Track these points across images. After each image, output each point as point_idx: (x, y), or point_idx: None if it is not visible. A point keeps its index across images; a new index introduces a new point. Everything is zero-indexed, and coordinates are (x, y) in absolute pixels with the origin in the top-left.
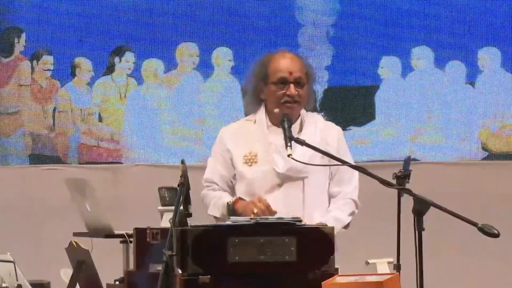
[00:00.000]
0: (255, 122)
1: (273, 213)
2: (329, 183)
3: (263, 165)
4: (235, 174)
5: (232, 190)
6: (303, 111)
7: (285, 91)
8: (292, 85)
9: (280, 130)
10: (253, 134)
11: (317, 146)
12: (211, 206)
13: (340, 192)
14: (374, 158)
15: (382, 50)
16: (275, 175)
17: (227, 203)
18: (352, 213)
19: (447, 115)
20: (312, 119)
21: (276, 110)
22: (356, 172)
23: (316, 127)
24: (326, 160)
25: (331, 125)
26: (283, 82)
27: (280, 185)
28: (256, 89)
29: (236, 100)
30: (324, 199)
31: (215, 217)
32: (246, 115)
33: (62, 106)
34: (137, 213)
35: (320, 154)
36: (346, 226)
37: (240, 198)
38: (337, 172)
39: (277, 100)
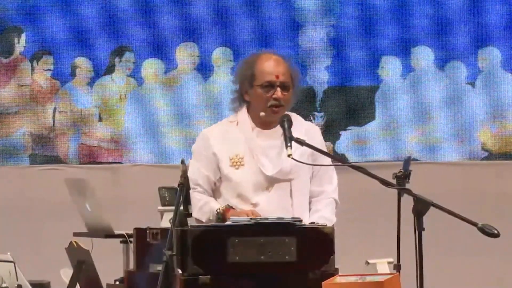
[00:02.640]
0: (237, 124)
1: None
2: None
3: (250, 168)
4: (220, 177)
5: (215, 192)
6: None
7: (271, 94)
8: (278, 89)
9: (265, 132)
10: (238, 136)
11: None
12: (196, 209)
13: (323, 192)
14: (374, 158)
15: (382, 50)
16: (263, 178)
17: (217, 211)
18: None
19: (447, 115)
20: (296, 118)
21: (262, 114)
22: (335, 172)
23: (301, 126)
24: (311, 160)
25: (312, 124)
26: (270, 85)
27: (268, 188)
28: (241, 90)
29: None
30: (307, 198)
31: (196, 219)
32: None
33: (62, 106)
34: (137, 213)
35: (307, 154)
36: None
37: (229, 206)
38: (319, 171)
39: (264, 104)
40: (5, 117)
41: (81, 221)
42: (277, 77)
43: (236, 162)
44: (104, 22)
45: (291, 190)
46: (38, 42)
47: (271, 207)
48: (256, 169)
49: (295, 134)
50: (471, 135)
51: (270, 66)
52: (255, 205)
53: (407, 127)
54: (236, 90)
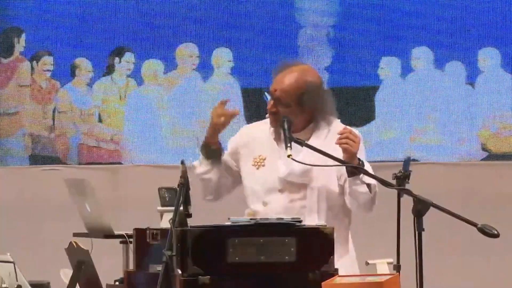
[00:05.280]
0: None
1: (227, 114)
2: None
3: (269, 170)
4: (236, 166)
5: (232, 177)
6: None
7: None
8: (272, 101)
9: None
10: (265, 137)
11: (322, 149)
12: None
13: None
14: (374, 159)
15: (382, 50)
16: (277, 180)
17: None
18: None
19: (447, 116)
20: (327, 123)
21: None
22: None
23: (328, 131)
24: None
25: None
26: (271, 94)
27: (281, 190)
28: None
29: (236, 101)
30: (332, 205)
31: (199, 170)
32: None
33: (62, 107)
34: (137, 213)
35: (327, 159)
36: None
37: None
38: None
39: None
40: (5, 118)
41: (81, 221)
42: (275, 90)
43: (258, 162)
44: (104, 22)
45: (306, 194)
46: (38, 42)
47: (279, 207)
48: (274, 171)
49: (316, 138)
50: (471, 135)
51: (279, 77)
52: (265, 203)
53: (407, 128)
54: None
